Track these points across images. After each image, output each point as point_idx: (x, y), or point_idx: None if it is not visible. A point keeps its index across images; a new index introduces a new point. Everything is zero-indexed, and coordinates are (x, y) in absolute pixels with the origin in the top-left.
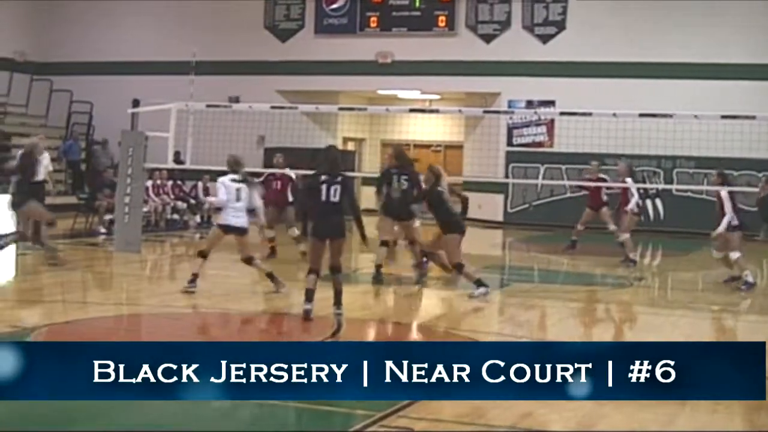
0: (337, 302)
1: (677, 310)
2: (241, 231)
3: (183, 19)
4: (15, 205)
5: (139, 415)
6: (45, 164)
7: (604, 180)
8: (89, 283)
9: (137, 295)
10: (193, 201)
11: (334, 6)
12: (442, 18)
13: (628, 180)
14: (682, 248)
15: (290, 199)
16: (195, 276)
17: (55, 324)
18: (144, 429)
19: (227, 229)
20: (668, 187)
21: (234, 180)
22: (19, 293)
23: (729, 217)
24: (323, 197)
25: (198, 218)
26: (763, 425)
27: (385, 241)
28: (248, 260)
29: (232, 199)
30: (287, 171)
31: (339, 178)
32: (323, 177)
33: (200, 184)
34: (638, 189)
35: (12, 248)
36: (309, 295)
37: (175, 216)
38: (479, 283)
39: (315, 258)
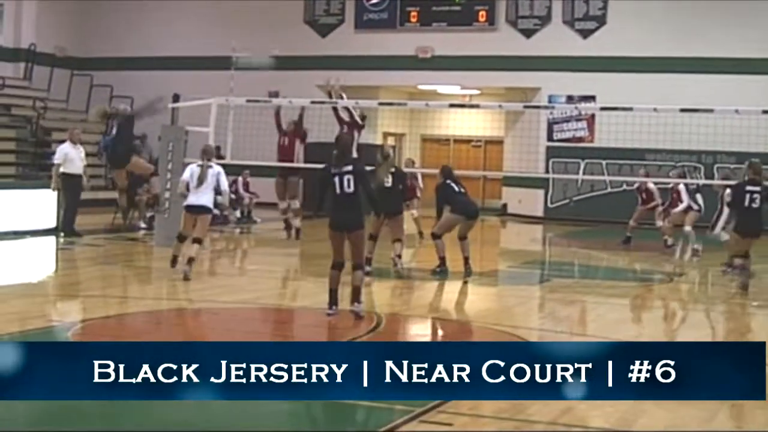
0: (355, 298)
1: (718, 305)
2: (196, 209)
3: (222, 14)
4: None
5: (139, 415)
6: (81, 157)
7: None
8: (129, 278)
9: (176, 290)
10: (233, 196)
11: (375, 1)
12: (482, 13)
13: (681, 186)
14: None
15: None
16: (174, 257)
17: (94, 319)
18: (144, 429)
19: (187, 209)
20: (709, 182)
21: (199, 165)
22: (59, 288)
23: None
24: (337, 189)
25: (238, 213)
26: None
27: (372, 235)
28: (197, 240)
29: (193, 182)
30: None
31: (350, 167)
32: (333, 169)
33: (240, 179)
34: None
35: (53, 241)
36: (332, 297)
37: (216, 211)
38: (442, 263)
39: (335, 250)
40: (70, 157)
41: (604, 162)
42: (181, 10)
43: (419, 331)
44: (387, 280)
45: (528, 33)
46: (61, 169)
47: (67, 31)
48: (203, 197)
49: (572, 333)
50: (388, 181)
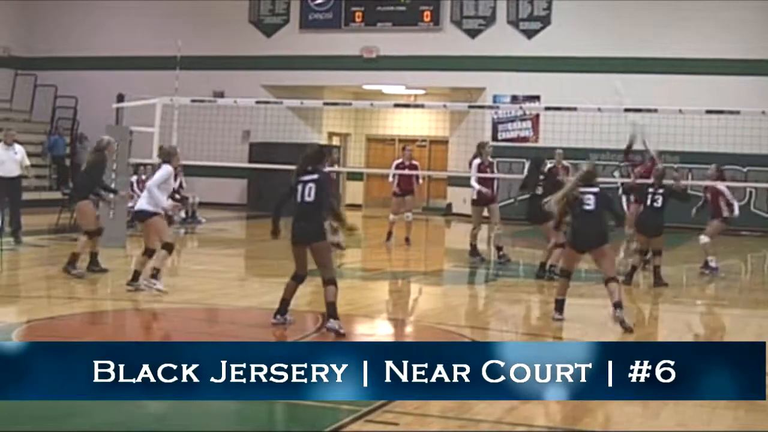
0: (330, 315)
1: (662, 304)
2: (135, 215)
3: (168, 13)
4: None
5: (139, 415)
6: (15, 159)
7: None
8: (73, 279)
9: (122, 290)
10: (178, 196)
11: (319, 1)
12: (427, 13)
13: (722, 187)
14: (666, 243)
15: (414, 187)
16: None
17: (38, 320)
18: (145, 429)
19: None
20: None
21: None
22: (2, 289)
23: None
24: (298, 197)
25: (183, 213)
26: None
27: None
28: (164, 247)
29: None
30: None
31: (314, 176)
32: (297, 176)
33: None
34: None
35: None
36: (281, 306)
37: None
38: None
39: (297, 263)
40: (2, 159)
41: (548, 162)
42: (125, 9)
43: (365, 331)
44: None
45: (473, 33)
46: None
47: (11, 30)
48: (140, 200)
49: (518, 332)
50: None
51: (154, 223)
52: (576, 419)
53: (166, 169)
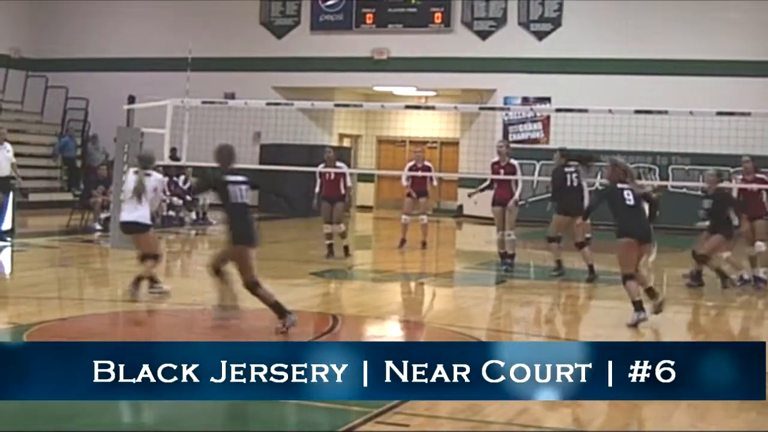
0: (279, 314)
1: (673, 306)
2: (130, 227)
3: (179, 15)
4: None
5: (139, 415)
6: (8, 157)
7: (763, 180)
8: (85, 279)
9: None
10: (188, 198)
11: (330, 2)
12: (438, 14)
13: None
14: (677, 244)
15: (342, 192)
16: (139, 279)
17: (50, 321)
18: (145, 429)
19: (121, 226)
20: (664, 183)
21: (135, 172)
22: (15, 290)
23: None
24: (233, 199)
25: (194, 215)
26: None
27: None
28: (147, 257)
29: (128, 193)
30: (339, 164)
31: (245, 177)
32: (226, 177)
33: (182, 178)
34: None
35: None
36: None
37: (171, 213)
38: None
39: (253, 269)
40: None
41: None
42: (137, 11)
43: (375, 333)
44: (343, 282)
45: (483, 35)
46: None
47: (22, 32)
48: (136, 212)
49: (528, 334)
50: None
51: (147, 237)
52: (587, 421)
53: (160, 179)
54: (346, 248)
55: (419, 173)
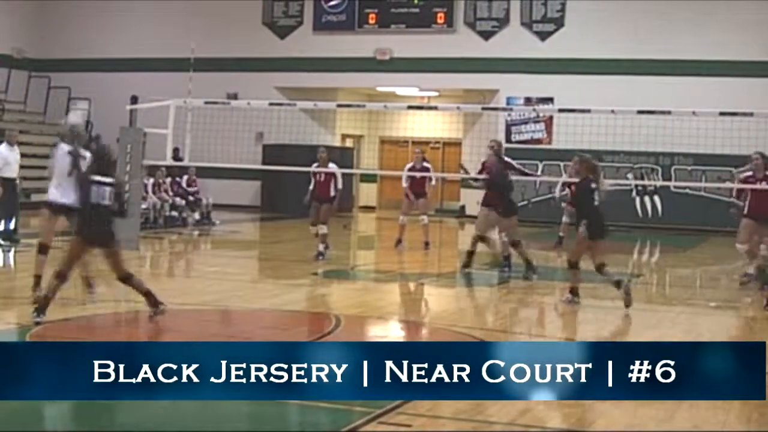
0: (152, 303)
1: (676, 306)
2: (72, 210)
3: (181, 15)
4: None
5: (139, 415)
6: (17, 159)
7: None
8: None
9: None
10: (191, 198)
11: (333, 3)
12: (440, 15)
13: None
14: (680, 244)
15: (332, 194)
16: (38, 278)
17: (52, 321)
18: (144, 429)
19: (54, 207)
20: (666, 183)
21: (71, 152)
22: (18, 290)
23: None
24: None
25: (197, 215)
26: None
27: None
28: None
29: (64, 172)
30: (331, 165)
31: (113, 179)
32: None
33: (185, 177)
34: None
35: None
36: (41, 305)
37: (174, 213)
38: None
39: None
40: (8, 160)
41: (561, 164)
42: (139, 11)
43: (377, 333)
44: (344, 282)
45: (486, 35)
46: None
47: (25, 32)
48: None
49: (531, 334)
50: None
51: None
52: (589, 422)
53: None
54: (320, 253)
55: (417, 174)
